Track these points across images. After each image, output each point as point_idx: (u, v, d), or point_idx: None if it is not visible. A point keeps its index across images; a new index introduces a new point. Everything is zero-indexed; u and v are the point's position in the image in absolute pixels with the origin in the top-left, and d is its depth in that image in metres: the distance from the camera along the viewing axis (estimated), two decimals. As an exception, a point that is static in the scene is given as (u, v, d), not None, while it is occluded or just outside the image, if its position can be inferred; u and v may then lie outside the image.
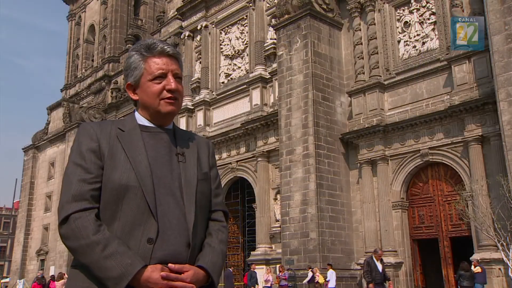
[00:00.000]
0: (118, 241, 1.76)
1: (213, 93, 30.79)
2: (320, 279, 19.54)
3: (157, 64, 1.98)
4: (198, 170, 2.01)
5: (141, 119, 2.01)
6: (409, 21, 22.15)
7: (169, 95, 1.97)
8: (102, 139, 1.90)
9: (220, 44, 31.30)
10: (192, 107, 31.21)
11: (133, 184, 1.83)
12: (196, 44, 32.84)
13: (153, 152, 1.93)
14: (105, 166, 1.86)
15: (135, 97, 2.03)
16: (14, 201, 51.33)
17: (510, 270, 16.15)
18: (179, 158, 1.98)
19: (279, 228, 23.40)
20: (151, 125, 2.00)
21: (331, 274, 19.67)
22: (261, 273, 22.53)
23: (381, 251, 13.51)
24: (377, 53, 22.64)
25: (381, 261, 12.96)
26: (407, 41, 22.14)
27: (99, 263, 1.72)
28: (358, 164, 22.33)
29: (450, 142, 19.84)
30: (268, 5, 28.56)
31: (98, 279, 1.74)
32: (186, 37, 33.13)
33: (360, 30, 23.54)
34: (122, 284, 1.69)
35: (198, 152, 2.06)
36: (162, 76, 1.97)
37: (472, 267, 16.85)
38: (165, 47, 2.01)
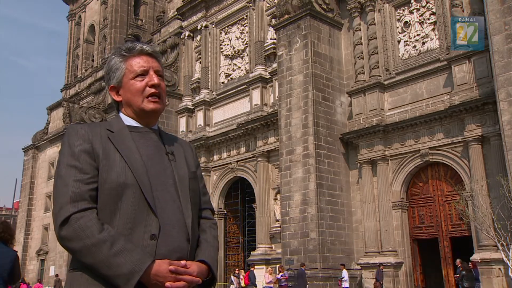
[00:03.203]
0: (124, 238, 1.77)
1: (213, 93, 30.78)
2: (243, 282, 19.39)
3: (138, 62, 2.02)
4: (188, 169, 2.06)
5: (128, 120, 2.04)
6: (409, 21, 22.14)
7: (153, 90, 2.00)
8: (95, 140, 1.90)
9: (220, 44, 31.29)
10: (192, 107, 31.21)
11: (131, 182, 1.85)
12: (196, 44, 32.83)
13: (145, 151, 1.96)
14: (101, 166, 1.86)
15: (118, 98, 2.05)
16: (14, 201, 51.28)
17: (510, 270, 16.14)
18: (170, 157, 2.02)
19: (279, 228, 23.38)
20: (139, 125, 2.03)
21: (345, 274, 19.78)
22: (261, 273, 22.48)
23: None
24: (377, 53, 22.63)
25: None
26: (407, 41, 22.13)
27: (108, 261, 1.72)
28: (358, 164, 22.32)
29: (450, 142, 19.83)
30: (268, 5, 28.55)
31: (106, 279, 1.73)
32: (186, 37, 33.13)
33: (360, 30, 23.53)
34: (133, 280, 1.70)
35: (184, 152, 2.11)
36: (144, 73, 2.02)
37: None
38: (144, 46, 2.07)
